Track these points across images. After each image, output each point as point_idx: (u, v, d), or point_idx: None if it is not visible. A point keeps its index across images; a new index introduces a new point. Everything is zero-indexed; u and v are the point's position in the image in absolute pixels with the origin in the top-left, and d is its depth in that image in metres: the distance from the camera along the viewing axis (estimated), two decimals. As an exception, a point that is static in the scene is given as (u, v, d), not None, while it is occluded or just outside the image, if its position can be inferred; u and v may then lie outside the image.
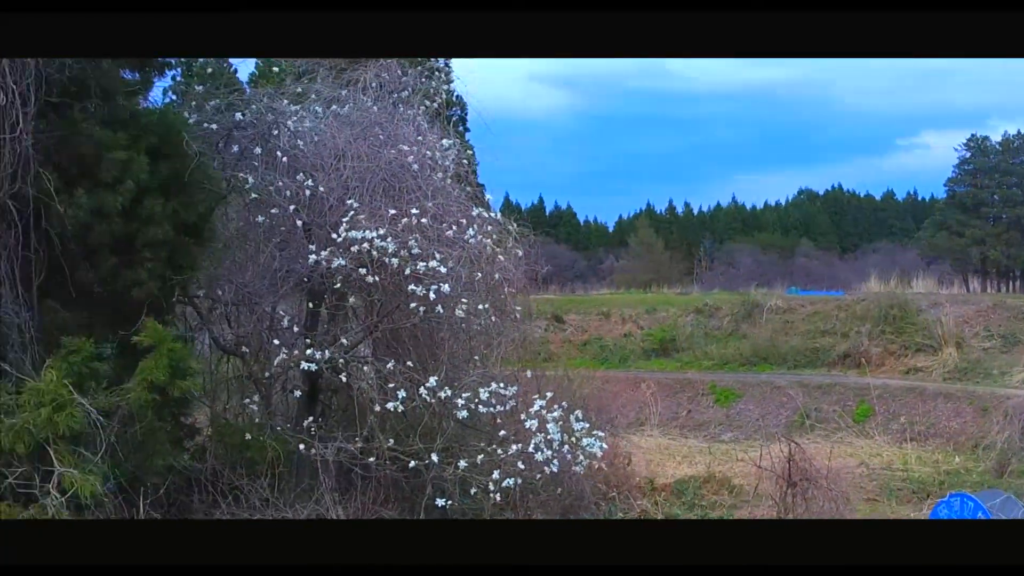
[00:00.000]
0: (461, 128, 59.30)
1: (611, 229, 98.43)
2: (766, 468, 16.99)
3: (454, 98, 59.26)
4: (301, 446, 11.92)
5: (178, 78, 14.29)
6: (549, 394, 12.93)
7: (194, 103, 13.52)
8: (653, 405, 34.84)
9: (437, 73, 16.57)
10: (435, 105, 15.81)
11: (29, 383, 8.30)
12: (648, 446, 30.54)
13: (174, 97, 14.37)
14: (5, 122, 9.43)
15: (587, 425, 13.27)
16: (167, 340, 8.87)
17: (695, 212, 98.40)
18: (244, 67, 53.21)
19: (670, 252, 76.59)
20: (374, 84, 15.21)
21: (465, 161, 15.55)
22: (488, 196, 15.15)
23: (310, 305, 12.99)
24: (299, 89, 14.83)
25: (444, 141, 14.97)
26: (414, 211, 12.23)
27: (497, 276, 12.68)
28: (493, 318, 12.76)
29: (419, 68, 16.08)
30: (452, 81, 17.12)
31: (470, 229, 12.54)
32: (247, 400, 12.87)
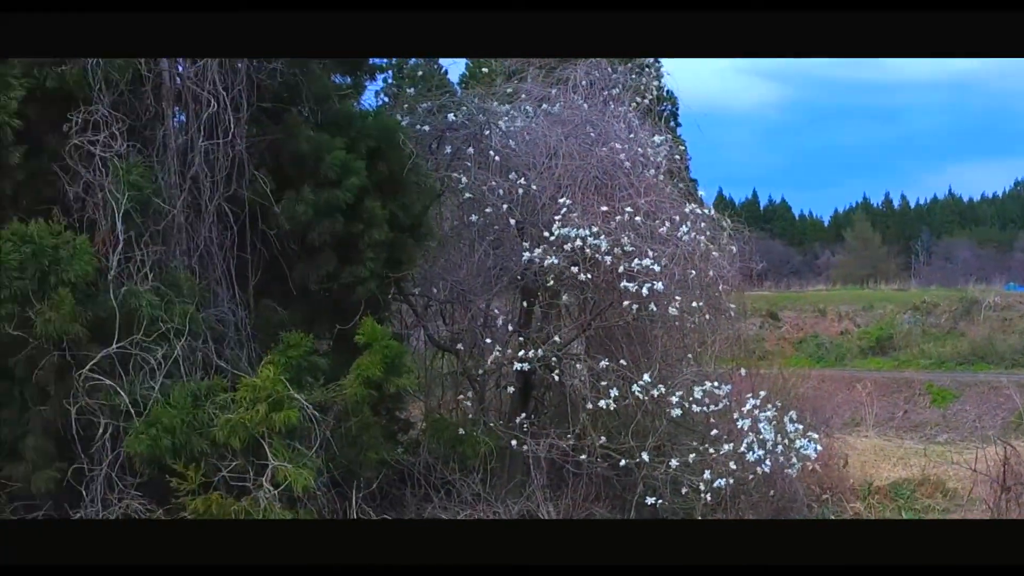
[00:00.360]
0: (672, 124, 59.20)
1: (826, 223, 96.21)
2: (980, 472, 16.13)
3: (664, 93, 59.09)
4: (513, 442, 11.73)
5: (389, 81, 14.33)
6: (763, 393, 12.42)
7: (406, 106, 13.56)
8: (869, 405, 33.81)
9: (647, 70, 16.21)
10: (646, 102, 15.45)
11: (245, 379, 8.32)
12: (863, 447, 29.58)
13: (386, 100, 14.42)
14: (218, 128, 9.48)
15: (801, 427, 12.75)
16: (383, 337, 8.80)
17: (911, 205, 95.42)
18: (454, 68, 54.24)
19: (887, 246, 74.34)
20: (584, 82, 15.00)
21: (677, 157, 15.18)
22: (701, 192, 14.72)
23: (523, 303, 12.84)
24: (509, 89, 14.76)
25: (656, 138, 14.66)
26: (627, 209, 11.93)
27: (711, 273, 12.21)
28: (707, 316, 12.30)
29: (629, 65, 15.79)
30: (662, 77, 16.67)
31: (683, 226, 12.17)
32: (461, 396, 12.83)
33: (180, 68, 9.67)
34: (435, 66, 19.09)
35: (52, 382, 8.23)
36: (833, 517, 16.20)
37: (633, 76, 15.68)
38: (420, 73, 14.57)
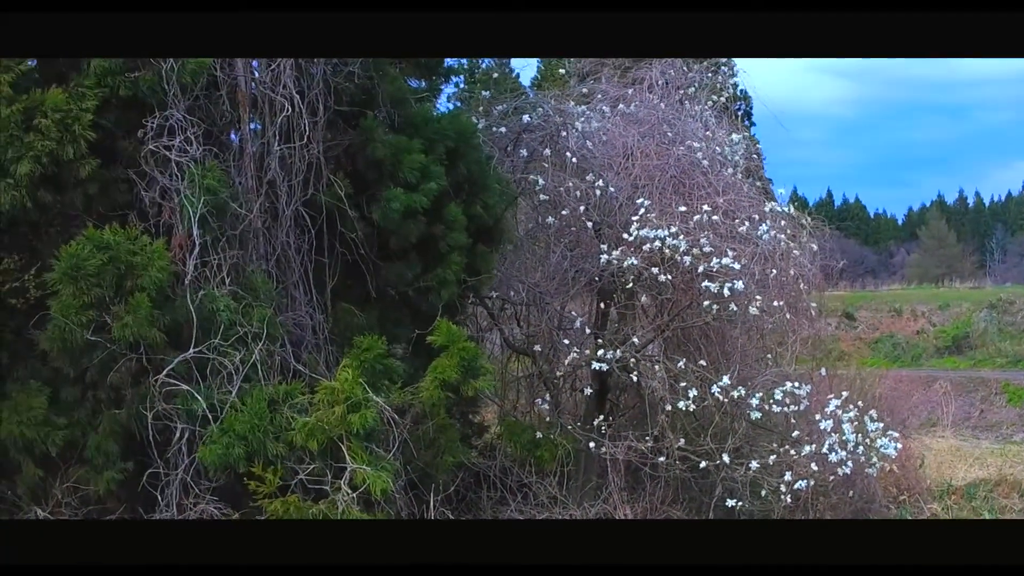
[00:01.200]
0: (747, 123, 58.70)
1: (900, 222, 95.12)
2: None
3: (738, 92, 58.65)
4: (591, 444, 11.48)
5: (461, 85, 14.15)
6: (844, 394, 12.01)
7: (480, 108, 13.35)
8: (945, 405, 33.20)
9: (723, 68, 15.87)
10: (722, 99, 15.09)
11: (323, 382, 8.13)
12: (940, 447, 28.94)
13: (459, 104, 14.23)
14: (294, 132, 9.30)
15: (881, 426, 12.34)
16: (460, 339, 8.58)
17: (986, 203, 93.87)
18: (526, 71, 54.01)
19: (962, 244, 73.16)
20: (660, 82, 14.70)
21: (754, 156, 14.85)
22: (780, 190, 14.32)
23: (599, 305, 12.55)
24: (584, 90, 14.51)
25: (733, 136, 14.33)
26: (705, 208, 11.57)
27: (792, 272, 11.84)
28: (788, 315, 11.94)
29: (705, 64, 15.46)
30: (736, 75, 16.29)
31: (763, 224, 11.81)
32: (537, 400, 12.57)
33: (255, 73, 9.46)
34: (507, 69, 18.88)
35: (127, 386, 8.08)
36: (910, 518, 15.84)
37: (709, 75, 15.35)
38: (495, 75, 14.31)
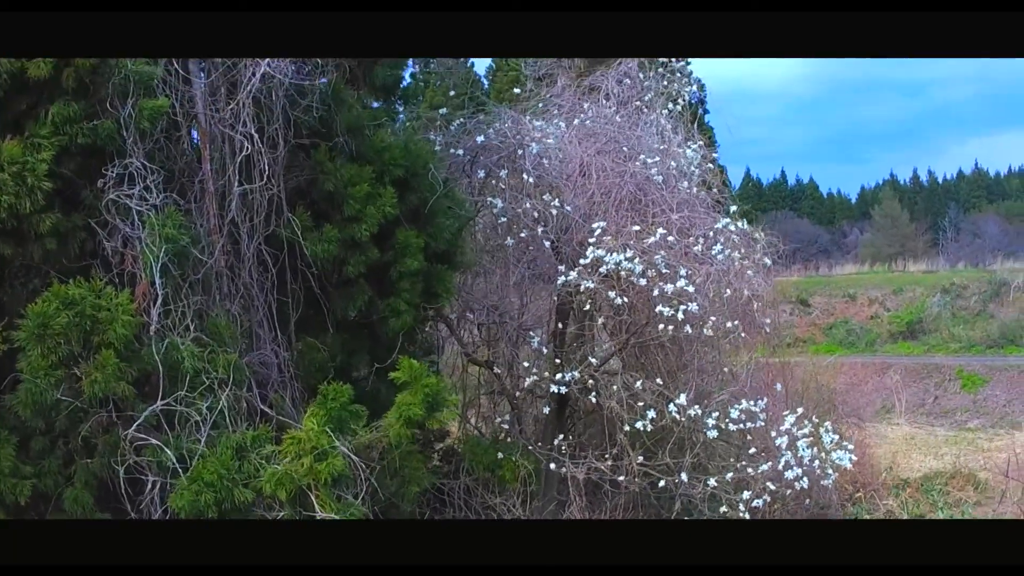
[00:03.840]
0: (701, 111, 58.84)
1: (854, 201, 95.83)
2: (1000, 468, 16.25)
3: (692, 80, 58.85)
4: (552, 464, 11.73)
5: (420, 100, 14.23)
6: (800, 410, 12.35)
7: (438, 123, 13.44)
8: (900, 392, 33.68)
9: (678, 74, 15.99)
10: (678, 108, 15.28)
11: (289, 433, 8.29)
12: (895, 436, 29.52)
13: (414, 120, 14.31)
14: (255, 169, 9.43)
15: (837, 437, 12.70)
16: (422, 375, 8.73)
17: (939, 181, 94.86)
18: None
19: (915, 223, 73.89)
20: (616, 90, 14.87)
21: (710, 165, 15.01)
22: (737, 208, 14.41)
23: (558, 324, 12.77)
24: (540, 104, 14.65)
25: (690, 146, 14.50)
26: (660, 230, 11.81)
27: (746, 293, 12.11)
28: (743, 335, 12.24)
29: (660, 71, 15.60)
30: (693, 85, 16.45)
31: (717, 244, 12.07)
32: (499, 419, 12.80)
33: (214, 111, 9.55)
34: (465, 67, 18.79)
35: (98, 436, 8.20)
36: (867, 518, 16.23)
37: (664, 83, 15.48)
38: (452, 94, 14.41)
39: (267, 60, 9.38)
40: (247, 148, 9.35)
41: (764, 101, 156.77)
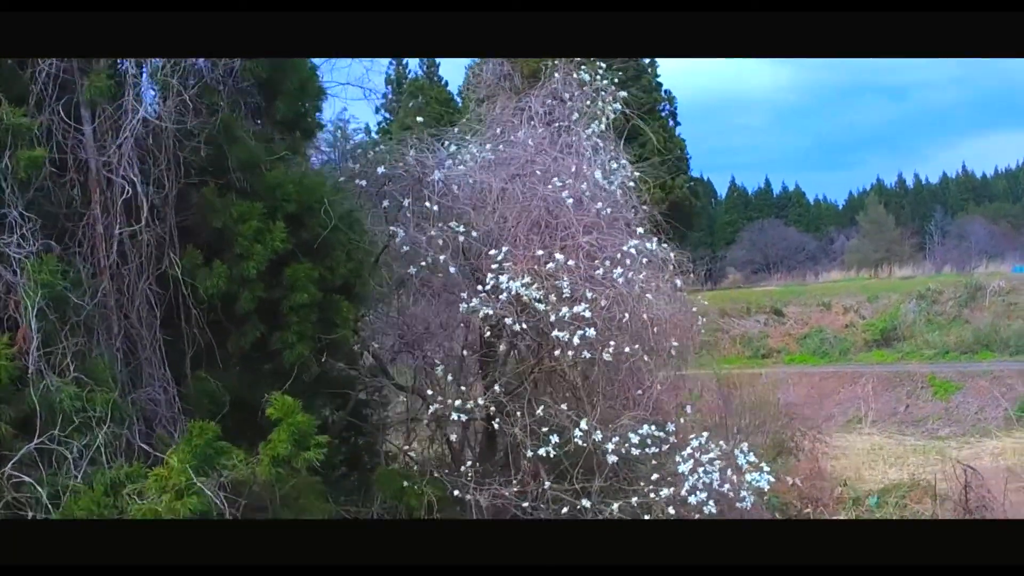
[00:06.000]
0: (672, 123, 59.42)
1: (841, 207, 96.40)
2: (942, 493, 16.64)
3: (662, 93, 59.17)
4: (456, 491, 12.18)
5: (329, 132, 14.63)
6: (705, 433, 12.79)
7: (350, 160, 13.88)
8: (870, 401, 34.22)
9: (603, 94, 16.34)
10: (601, 127, 15.63)
11: (155, 470, 8.75)
12: (862, 446, 30.07)
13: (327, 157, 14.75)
14: (141, 210, 9.91)
15: (752, 458, 13.09)
16: (294, 412, 9.19)
17: (925, 184, 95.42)
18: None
19: (901, 228, 74.43)
20: (541, 111, 15.26)
21: (632, 184, 15.30)
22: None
23: (463, 352, 13.22)
24: (456, 129, 15.06)
25: (620, 172, 14.86)
26: (558, 256, 12.23)
27: (645, 316, 12.46)
28: (645, 358, 12.60)
29: (585, 89, 15.95)
30: (620, 103, 16.77)
31: (617, 268, 12.45)
32: (406, 447, 13.24)
33: (100, 156, 10.03)
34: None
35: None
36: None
37: (588, 103, 15.83)
38: (363, 125, 14.88)
39: (146, 105, 9.89)
40: (128, 191, 9.80)
41: (749, 109, 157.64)
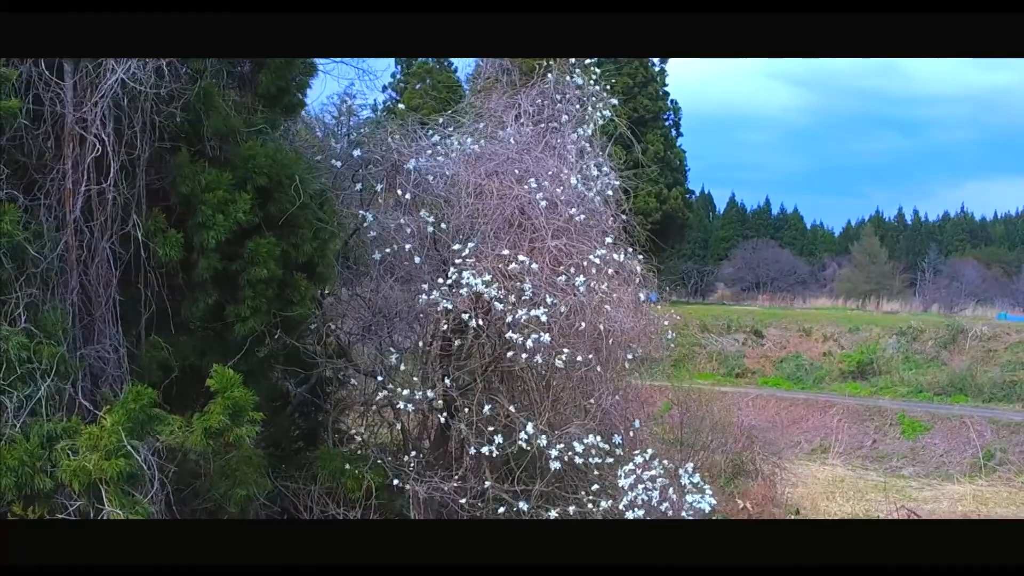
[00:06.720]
0: (674, 133, 59.52)
1: (837, 234, 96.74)
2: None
3: (668, 103, 59.23)
4: (396, 480, 12.35)
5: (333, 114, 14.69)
6: (650, 451, 12.94)
7: (334, 139, 14.00)
8: (838, 432, 34.40)
9: (592, 99, 16.43)
10: (588, 132, 15.73)
11: (86, 428, 8.92)
12: (824, 477, 30.25)
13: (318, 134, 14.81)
14: (111, 168, 10.04)
15: (697, 479, 13.25)
16: (233, 386, 9.35)
17: (925, 220, 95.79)
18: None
19: (893, 262, 74.74)
20: (530, 110, 15.38)
21: (610, 193, 15.38)
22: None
23: (419, 343, 13.36)
24: (441, 120, 15.14)
25: (602, 178, 15.04)
26: (522, 257, 12.41)
27: (601, 327, 12.64)
28: (598, 368, 12.73)
29: (577, 92, 16.05)
30: (610, 109, 16.87)
31: (580, 276, 12.60)
32: (353, 431, 13.37)
33: (76, 111, 10.16)
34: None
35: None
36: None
37: (578, 106, 15.92)
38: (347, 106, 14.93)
39: (125, 66, 10.02)
40: (98, 149, 9.94)
41: (759, 127, 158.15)
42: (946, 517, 18.39)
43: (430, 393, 12.44)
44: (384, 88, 55.05)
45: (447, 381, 12.66)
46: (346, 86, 14.56)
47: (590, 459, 12.28)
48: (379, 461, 12.53)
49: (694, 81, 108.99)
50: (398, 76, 59.34)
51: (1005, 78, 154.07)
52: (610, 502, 12.25)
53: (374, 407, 13.33)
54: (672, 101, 60.16)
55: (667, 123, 59.69)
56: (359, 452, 12.96)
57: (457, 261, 12.45)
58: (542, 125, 15.24)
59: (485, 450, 12.10)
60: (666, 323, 15.69)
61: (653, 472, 12.61)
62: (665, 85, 59.77)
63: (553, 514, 12.13)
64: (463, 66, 62.71)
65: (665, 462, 13.00)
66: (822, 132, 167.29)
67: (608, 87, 16.57)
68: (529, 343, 11.81)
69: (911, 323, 43.92)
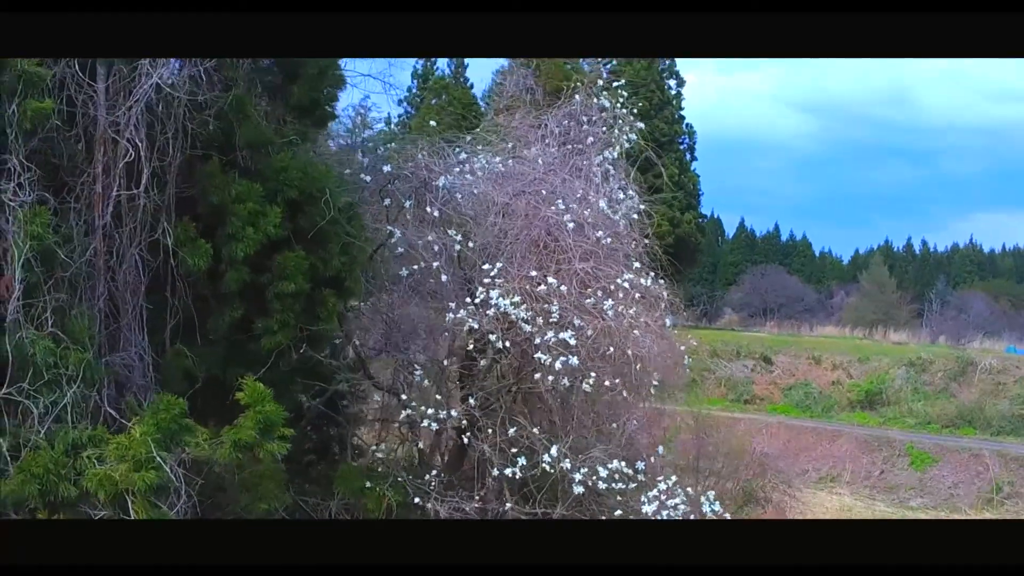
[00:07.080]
0: (688, 157, 59.43)
1: (846, 263, 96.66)
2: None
3: (683, 126, 59.17)
4: (417, 499, 12.20)
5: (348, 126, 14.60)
6: (674, 478, 12.80)
7: (362, 152, 13.90)
8: (847, 462, 34.28)
9: (619, 121, 16.32)
10: (614, 155, 15.63)
11: (115, 438, 8.78)
12: (832, 506, 30.13)
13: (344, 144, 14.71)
14: (141, 176, 9.92)
15: (718, 507, 13.12)
16: (264, 400, 9.23)
17: (934, 251, 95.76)
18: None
19: (901, 293, 74.56)
20: (556, 131, 15.29)
21: (635, 216, 15.30)
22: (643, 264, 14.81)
23: (444, 361, 13.24)
24: (468, 137, 15.07)
25: (627, 201, 14.91)
26: (551, 279, 12.30)
27: (630, 353, 12.52)
28: (624, 394, 12.65)
29: (603, 115, 15.95)
30: (637, 133, 16.75)
31: (608, 300, 12.49)
32: (372, 448, 13.24)
33: (110, 115, 10.04)
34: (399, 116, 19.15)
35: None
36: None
37: (605, 129, 15.82)
38: (380, 125, 14.88)
39: (160, 72, 9.90)
40: (131, 154, 9.82)
41: (769, 153, 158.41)
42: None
43: (454, 412, 12.28)
44: (399, 102, 55.11)
45: (471, 401, 12.49)
46: (361, 98, 14.56)
47: (613, 484, 12.11)
48: (399, 479, 12.38)
49: (703, 105, 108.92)
50: (414, 90, 59.33)
51: (1017, 110, 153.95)
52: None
53: (396, 424, 13.15)
54: (687, 125, 60.14)
55: (682, 147, 59.62)
56: (378, 469, 12.80)
57: (486, 281, 12.29)
58: (568, 146, 15.14)
59: (508, 472, 11.92)
60: (683, 348, 15.54)
61: (676, 500, 12.45)
62: (681, 108, 59.75)
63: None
64: (479, 82, 62.64)
65: (688, 489, 12.81)
66: (831, 159, 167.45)
67: (635, 111, 16.48)
68: (558, 365, 11.65)
69: (920, 354, 43.77)
